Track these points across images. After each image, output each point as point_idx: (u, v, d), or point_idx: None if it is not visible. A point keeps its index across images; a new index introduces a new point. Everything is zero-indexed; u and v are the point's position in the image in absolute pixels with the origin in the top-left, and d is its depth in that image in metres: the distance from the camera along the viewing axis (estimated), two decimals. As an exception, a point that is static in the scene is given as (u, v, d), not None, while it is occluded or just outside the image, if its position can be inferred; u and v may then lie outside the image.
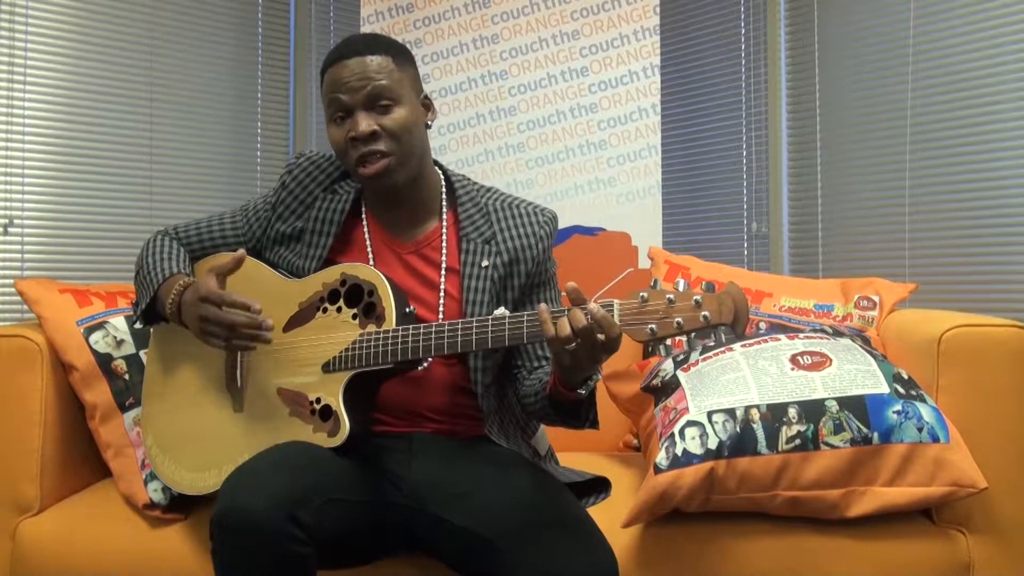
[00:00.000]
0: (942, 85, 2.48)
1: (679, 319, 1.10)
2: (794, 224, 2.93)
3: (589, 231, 2.72)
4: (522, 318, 1.21)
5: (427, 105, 1.46)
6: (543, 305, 1.17)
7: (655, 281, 1.20)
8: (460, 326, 1.25)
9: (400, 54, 1.43)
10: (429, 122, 1.46)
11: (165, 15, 2.94)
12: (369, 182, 1.40)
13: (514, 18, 2.82)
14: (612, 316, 1.13)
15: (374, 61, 1.38)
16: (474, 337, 1.24)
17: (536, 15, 2.80)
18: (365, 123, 1.36)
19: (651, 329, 1.11)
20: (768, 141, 2.95)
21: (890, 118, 2.60)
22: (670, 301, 1.11)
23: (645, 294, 1.12)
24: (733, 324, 1.10)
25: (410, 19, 2.90)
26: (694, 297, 1.10)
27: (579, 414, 1.33)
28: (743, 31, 3.02)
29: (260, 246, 1.51)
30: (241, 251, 1.36)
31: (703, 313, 1.09)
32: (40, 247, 2.68)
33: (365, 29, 2.93)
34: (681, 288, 1.12)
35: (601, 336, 1.13)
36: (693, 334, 1.11)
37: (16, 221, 2.63)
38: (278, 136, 3.28)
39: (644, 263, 2.65)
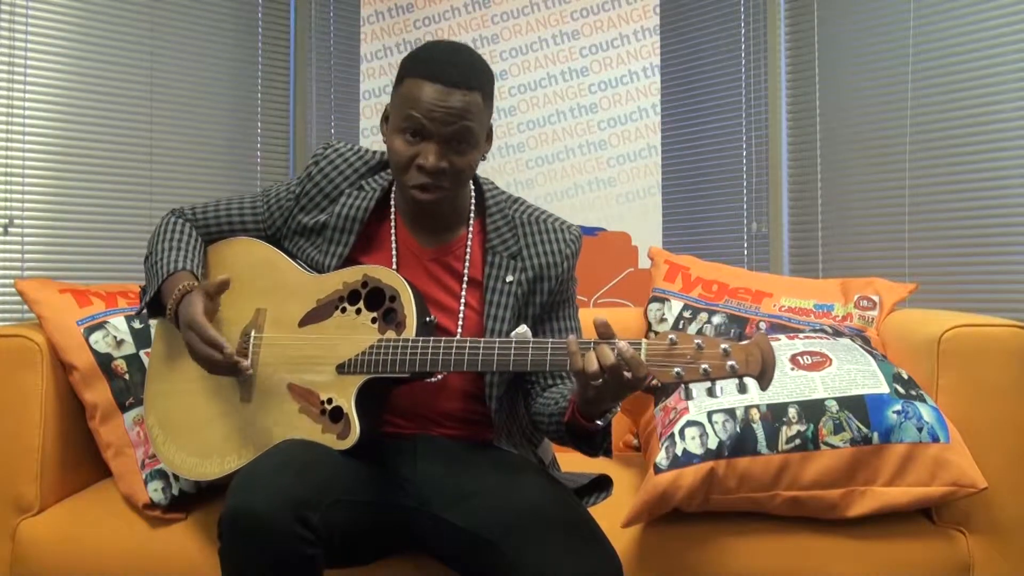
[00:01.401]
0: (942, 85, 2.48)
1: (706, 366, 1.10)
2: (794, 224, 2.93)
3: (589, 231, 2.72)
4: (546, 346, 1.20)
5: (488, 137, 1.41)
6: (572, 337, 1.16)
7: (683, 323, 1.21)
8: (482, 346, 1.24)
9: (490, 88, 1.37)
10: (485, 155, 1.42)
11: (165, 15, 2.95)
12: (414, 203, 1.37)
13: (514, 18, 2.82)
14: (640, 356, 1.13)
15: (468, 99, 1.30)
16: (496, 358, 1.23)
17: (536, 15, 2.80)
18: (436, 157, 1.31)
19: (677, 373, 1.11)
20: (768, 141, 2.95)
21: (890, 118, 2.60)
22: (698, 347, 1.11)
23: (674, 337, 1.12)
24: (759, 376, 1.09)
25: (410, 19, 2.90)
26: (722, 346, 1.10)
27: (594, 443, 1.32)
28: (743, 31, 3.02)
29: (280, 235, 1.49)
30: (225, 276, 1.35)
31: (730, 363, 1.09)
32: (40, 247, 2.68)
33: (365, 29, 2.93)
34: (710, 334, 1.12)
35: (628, 374, 1.12)
36: (717, 382, 1.11)
37: (16, 221, 2.63)
38: (278, 136, 3.28)
39: (644, 263, 2.65)
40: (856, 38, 2.71)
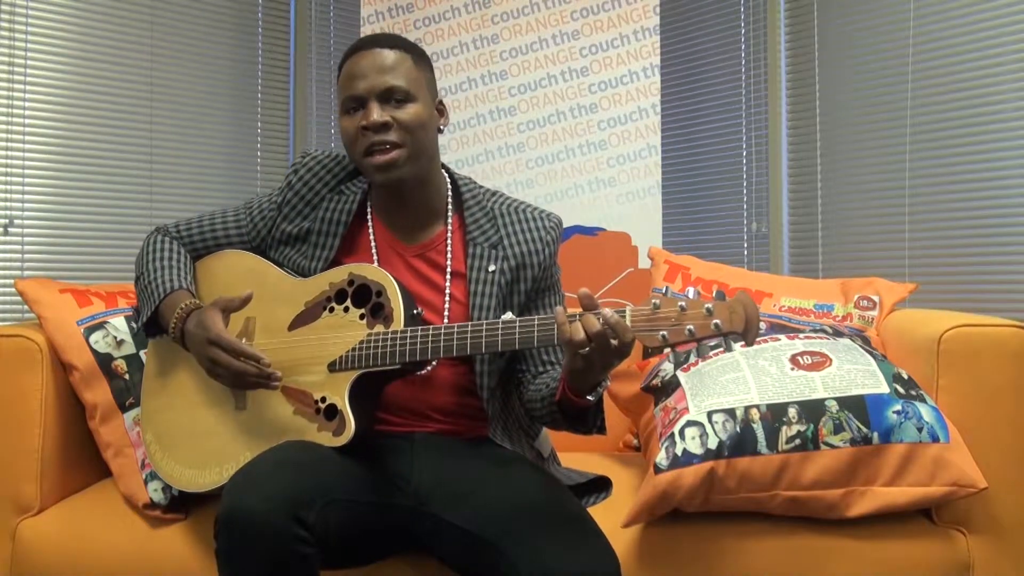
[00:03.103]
0: (942, 85, 2.48)
1: (691, 326, 1.11)
2: (794, 224, 2.93)
3: (589, 231, 2.72)
4: (533, 321, 1.21)
5: (441, 110, 1.46)
6: (560, 308, 1.17)
7: (666, 288, 1.20)
8: (470, 328, 1.25)
9: (419, 56, 1.43)
10: (442, 126, 1.46)
11: (165, 15, 2.95)
12: (376, 174, 1.38)
13: (514, 18, 2.82)
14: (625, 321, 1.13)
15: (392, 56, 1.38)
16: (484, 339, 1.24)
17: (536, 15, 2.80)
18: (378, 113, 1.36)
19: (663, 336, 1.12)
20: (768, 141, 2.95)
21: (890, 118, 2.60)
22: (682, 308, 1.11)
23: (657, 301, 1.13)
24: (744, 333, 1.10)
25: (410, 19, 2.90)
26: (705, 305, 1.11)
27: (586, 420, 1.33)
28: (743, 31, 3.02)
29: (264, 245, 1.50)
30: (249, 292, 1.36)
31: (714, 321, 1.10)
32: (40, 247, 2.68)
33: (365, 29, 2.93)
34: (692, 296, 1.13)
35: (615, 341, 1.13)
36: (704, 342, 1.11)
37: (16, 221, 2.63)
38: (278, 136, 3.28)
39: (644, 263, 2.65)
40: (856, 38, 2.71)
